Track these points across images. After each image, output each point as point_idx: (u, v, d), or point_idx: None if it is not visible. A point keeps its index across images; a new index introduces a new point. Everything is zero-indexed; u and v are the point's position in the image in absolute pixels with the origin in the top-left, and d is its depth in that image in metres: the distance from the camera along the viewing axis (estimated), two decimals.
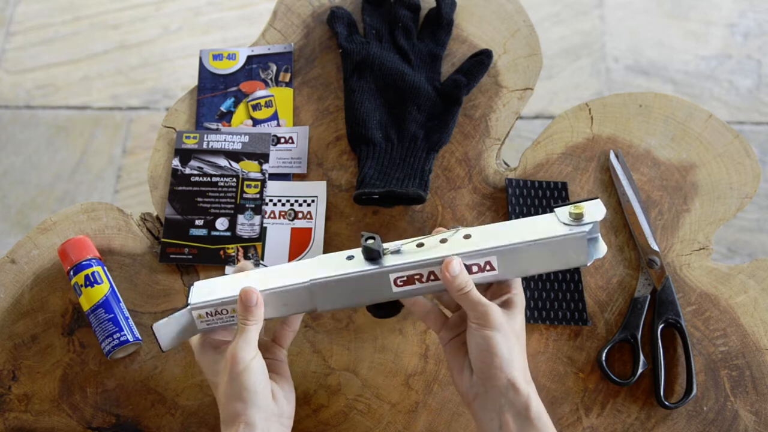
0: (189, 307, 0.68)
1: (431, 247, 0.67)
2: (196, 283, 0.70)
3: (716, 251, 1.30)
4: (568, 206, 0.65)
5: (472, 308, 0.65)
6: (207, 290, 0.69)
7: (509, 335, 0.64)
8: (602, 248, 0.66)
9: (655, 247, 0.82)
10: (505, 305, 0.67)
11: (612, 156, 0.87)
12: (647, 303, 0.79)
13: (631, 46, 1.70)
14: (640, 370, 0.76)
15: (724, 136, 0.88)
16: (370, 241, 0.66)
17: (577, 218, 0.65)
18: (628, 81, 1.66)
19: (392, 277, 0.66)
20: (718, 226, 0.84)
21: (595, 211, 0.65)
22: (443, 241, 0.67)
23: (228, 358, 0.65)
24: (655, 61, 1.68)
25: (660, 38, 1.71)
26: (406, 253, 0.67)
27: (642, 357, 0.76)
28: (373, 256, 0.67)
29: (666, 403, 0.75)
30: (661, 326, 0.78)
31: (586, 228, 0.64)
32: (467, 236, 0.67)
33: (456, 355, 0.68)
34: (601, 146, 0.88)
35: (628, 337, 0.78)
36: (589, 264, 0.66)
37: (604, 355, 0.77)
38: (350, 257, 0.68)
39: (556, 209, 0.66)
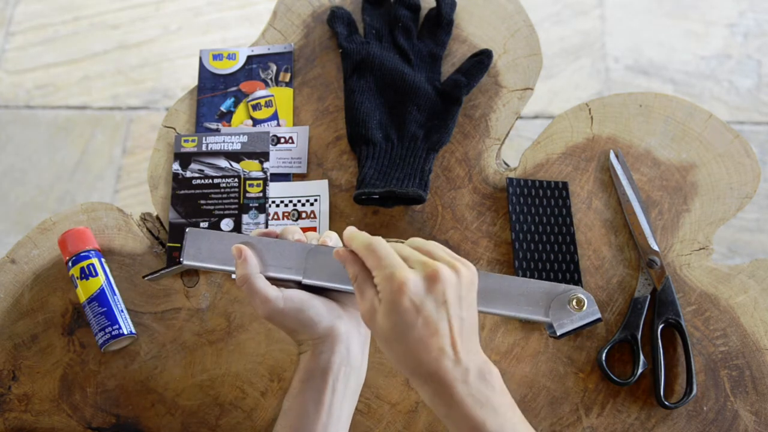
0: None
1: None
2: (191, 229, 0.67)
3: (716, 251, 1.30)
4: (572, 295, 0.63)
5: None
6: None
7: None
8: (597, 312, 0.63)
9: (655, 247, 0.82)
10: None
11: (612, 156, 0.87)
12: (647, 303, 0.79)
13: (631, 46, 1.70)
14: (640, 370, 0.76)
15: (724, 136, 0.88)
16: None
17: (579, 304, 0.63)
18: (628, 81, 1.66)
19: None
20: (718, 226, 0.84)
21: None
22: None
23: (261, 307, 0.64)
24: (655, 61, 1.68)
25: (660, 38, 1.71)
26: None
27: (642, 357, 0.76)
28: None
29: (666, 403, 0.75)
30: (661, 326, 0.78)
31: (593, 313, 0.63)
32: None
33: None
34: (601, 146, 0.88)
35: (628, 337, 0.78)
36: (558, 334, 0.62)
37: (604, 355, 0.77)
38: None
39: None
